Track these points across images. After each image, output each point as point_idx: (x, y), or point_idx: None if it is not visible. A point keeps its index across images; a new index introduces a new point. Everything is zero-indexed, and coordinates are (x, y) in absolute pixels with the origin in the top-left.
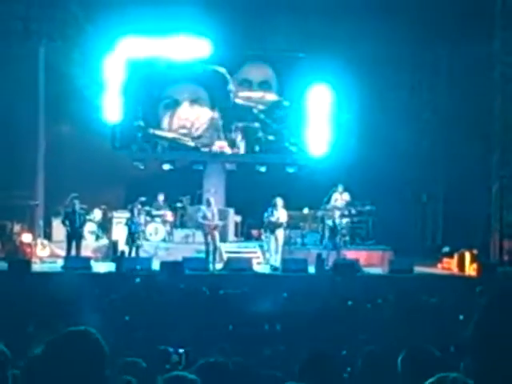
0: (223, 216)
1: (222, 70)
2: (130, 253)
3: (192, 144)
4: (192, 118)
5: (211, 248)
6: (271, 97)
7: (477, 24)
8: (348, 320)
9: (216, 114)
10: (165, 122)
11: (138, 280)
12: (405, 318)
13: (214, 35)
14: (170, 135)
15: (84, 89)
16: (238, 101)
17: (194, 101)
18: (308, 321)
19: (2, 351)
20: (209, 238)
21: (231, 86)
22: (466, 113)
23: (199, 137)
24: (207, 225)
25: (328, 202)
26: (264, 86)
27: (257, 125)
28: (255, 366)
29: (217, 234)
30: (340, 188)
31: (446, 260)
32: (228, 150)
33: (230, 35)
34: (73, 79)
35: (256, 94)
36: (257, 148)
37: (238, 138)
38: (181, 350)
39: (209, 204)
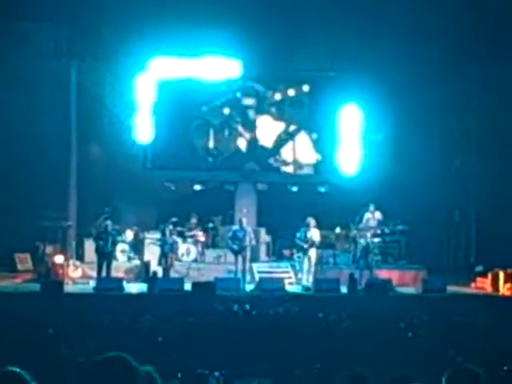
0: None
1: (257, 87)
2: (163, 273)
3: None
4: (224, 140)
5: (241, 268)
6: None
7: (507, 45)
8: (381, 340)
9: (248, 134)
10: (198, 143)
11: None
12: (439, 338)
13: (244, 56)
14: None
15: (115, 109)
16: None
17: (226, 121)
18: (340, 340)
19: (21, 376)
20: (239, 258)
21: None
22: (498, 132)
23: (230, 157)
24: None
25: (360, 221)
26: (296, 104)
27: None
28: None
29: (248, 254)
30: (372, 207)
31: (479, 279)
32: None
33: (260, 55)
34: (104, 99)
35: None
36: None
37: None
38: (216, 373)
39: (241, 224)
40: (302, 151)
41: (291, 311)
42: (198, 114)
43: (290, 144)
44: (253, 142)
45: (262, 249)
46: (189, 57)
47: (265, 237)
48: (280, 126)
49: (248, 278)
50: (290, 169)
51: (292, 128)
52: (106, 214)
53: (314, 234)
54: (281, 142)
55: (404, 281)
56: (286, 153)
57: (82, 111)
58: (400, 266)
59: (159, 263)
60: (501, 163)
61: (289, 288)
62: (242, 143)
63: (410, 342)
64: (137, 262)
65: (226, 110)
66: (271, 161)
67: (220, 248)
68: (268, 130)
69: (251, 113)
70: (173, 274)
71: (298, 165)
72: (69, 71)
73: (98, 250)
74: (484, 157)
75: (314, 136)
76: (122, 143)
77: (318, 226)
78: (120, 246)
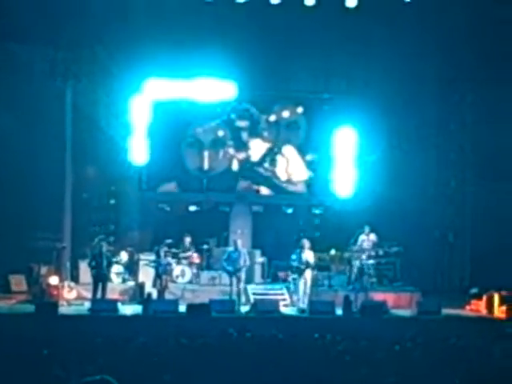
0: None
1: (252, 110)
2: (157, 295)
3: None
4: (217, 158)
5: (236, 290)
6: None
7: (501, 64)
8: (376, 362)
9: (241, 155)
10: (190, 163)
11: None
12: (434, 361)
13: (239, 77)
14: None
15: (110, 130)
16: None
17: (217, 140)
18: (335, 363)
19: None
20: (234, 279)
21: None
22: (493, 152)
23: (223, 177)
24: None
25: (355, 243)
26: (292, 125)
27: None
28: None
29: (242, 276)
30: (367, 229)
31: (474, 302)
32: (254, 188)
33: (255, 77)
34: (99, 121)
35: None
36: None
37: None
38: None
39: (236, 246)
40: (293, 167)
41: (286, 333)
42: (191, 134)
43: (281, 160)
44: (244, 161)
45: (257, 270)
46: (184, 78)
47: (260, 258)
48: (268, 144)
49: (243, 299)
50: (282, 183)
51: (280, 145)
52: (101, 235)
53: (309, 256)
54: (270, 155)
55: (399, 303)
56: (279, 169)
57: (77, 132)
58: (395, 288)
59: (154, 285)
60: (496, 184)
61: (284, 310)
62: (234, 164)
63: (405, 365)
64: (131, 283)
65: (220, 132)
66: (261, 170)
67: (215, 270)
68: (259, 151)
69: (244, 135)
70: (167, 296)
71: (290, 182)
72: (64, 92)
73: (93, 272)
74: (479, 178)
75: (309, 157)
76: (117, 164)
77: (313, 248)
78: (115, 268)
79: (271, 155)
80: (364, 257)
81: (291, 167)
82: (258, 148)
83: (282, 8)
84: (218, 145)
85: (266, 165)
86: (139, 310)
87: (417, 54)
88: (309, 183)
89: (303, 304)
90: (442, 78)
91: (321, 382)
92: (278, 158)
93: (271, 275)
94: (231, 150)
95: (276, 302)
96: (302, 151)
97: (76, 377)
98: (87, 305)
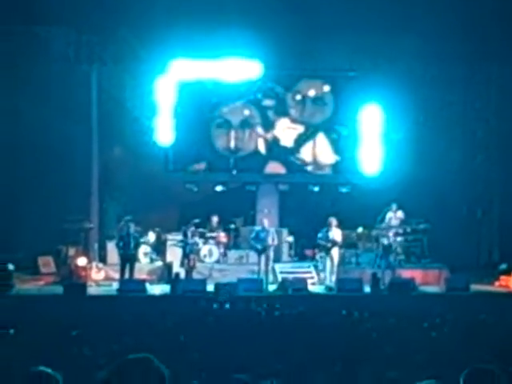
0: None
1: (277, 89)
2: (185, 275)
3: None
4: (245, 139)
5: (264, 268)
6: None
7: None
8: (404, 339)
9: (268, 135)
10: (218, 143)
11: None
12: (463, 338)
13: (265, 56)
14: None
15: (136, 112)
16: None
17: (246, 121)
18: (363, 340)
19: (53, 376)
20: (262, 258)
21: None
22: None
23: (250, 158)
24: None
25: (382, 220)
26: (318, 102)
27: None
28: None
29: (271, 255)
30: (394, 206)
31: (503, 277)
32: (281, 171)
33: (281, 56)
34: (125, 102)
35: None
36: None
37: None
38: (241, 376)
39: (263, 225)
40: (321, 152)
41: (314, 311)
42: (219, 115)
43: (309, 145)
44: (272, 143)
45: (284, 249)
46: (209, 58)
47: (287, 237)
48: (299, 128)
49: (270, 278)
50: (309, 168)
51: (311, 130)
52: (128, 216)
53: (336, 234)
54: (300, 141)
55: (427, 280)
56: (306, 153)
57: (104, 114)
58: (423, 265)
59: (181, 265)
60: None
61: (311, 288)
62: (261, 144)
63: (434, 342)
64: (159, 263)
65: (247, 111)
66: (292, 159)
67: (242, 249)
68: (287, 131)
69: (271, 114)
70: (195, 276)
71: (317, 166)
72: (89, 75)
73: (120, 252)
74: (505, 154)
75: (335, 136)
76: (143, 145)
77: (340, 226)
78: (142, 248)
79: (300, 142)
80: (391, 234)
81: (319, 154)
82: (287, 132)
83: None
84: (246, 125)
85: (296, 153)
86: (167, 289)
87: (442, 32)
88: (335, 164)
89: (330, 282)
90: (467, 56)
91: (348, 359)
92: (307, 144)
93: (298, 254)
94: (259, 130)
95: (304, 281)
96: (328, 130)
97: (104, 357)
98: (115, 285)
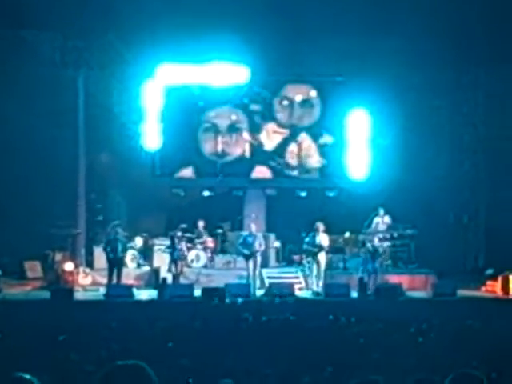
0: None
1: (264, 93)
2: (173, 280)
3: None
4: (231, 143)
5: (251, 274)
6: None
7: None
8: (391, 344)
9: (255, 140)
10: (206, 147)
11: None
12: (450, 343)
13: (252, 62)
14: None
15: (123, 116)
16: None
17: (233, 125)
18: (350, 345)
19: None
20: (250, 263)
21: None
22: (506, 133)
23: (237, 163)
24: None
25: (369, 225)
26: (306, 104)
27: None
28: None
29: (258, 260)
30: (381, 211)
31: (489, 283)
32: (268, 176)
33: (268, 61)
34: (112, 107)
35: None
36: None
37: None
38: (227, 381)
39: (250, 230)
40: (307, 156)
41: (301, 316)
42: (206, 119)
43: (294, 148)
44: (257, 147)
45: (272, 254)
46: (196, 63)
47: (274, 242)
48: (285, 133)
49: (258, 283)
50: (295, 173)
51: (297, 132)
52: (116, 221)
53: (323, 239)
54: (284, 146)
55: (414, 285)
56: (291, 157)
57: (90, 119)
58: (410, 270)
59: (169, 270)
60: (510, 165)
61: (299, 293)
62: (247, 149)
63: (421, 347)
64: (146, 268)
65: (234, 116)
66: (278, 162)
67: (229, 254)
68: (272, 136)
69: (257, 118)
70: (183, 281)
71: (303, 169)
72: (76, 80)
73: (109, 257)
74: (493, 159)
75: (322, 140)
76: (130, 150)
77: (327, 231)
78: (130, 253)
79: (285, 146)
80: (378, 239)
81: (305, 156)
82: (272, 137)
83: None
84: (233, 129)
85: (281, 157)
86: (155, 294)
87: (430, 37)
88: (322, 168)
89: (317, 287)
90: (454, 60)
91: (335, 365)
92: (292, 147)
93: (286, 259)
94: (246, 135)
95: (291, 286)
96: (315, 134)
97: (91, 362)
98: (102, 290)
